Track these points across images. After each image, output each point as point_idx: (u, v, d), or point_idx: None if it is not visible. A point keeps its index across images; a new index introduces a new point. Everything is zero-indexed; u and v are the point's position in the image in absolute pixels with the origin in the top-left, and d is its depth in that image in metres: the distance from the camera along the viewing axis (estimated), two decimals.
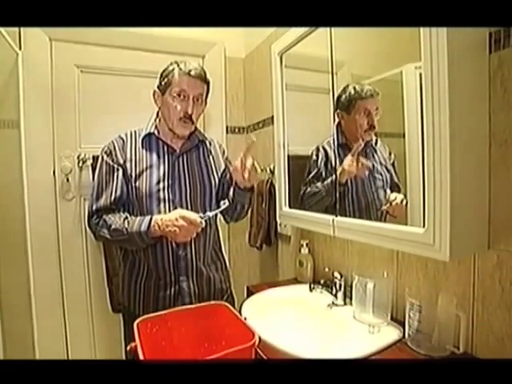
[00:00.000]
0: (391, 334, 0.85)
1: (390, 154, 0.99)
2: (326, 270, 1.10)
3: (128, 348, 0.72)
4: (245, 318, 0.87)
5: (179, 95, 0.99)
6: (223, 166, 1.15)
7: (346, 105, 1.04)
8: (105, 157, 1.03)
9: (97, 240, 1.11)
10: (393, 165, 0.98)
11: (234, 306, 1.14)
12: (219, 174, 1.13)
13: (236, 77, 1.85)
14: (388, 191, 0.99)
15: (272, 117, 1.41)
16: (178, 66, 1.00)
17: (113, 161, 1.02)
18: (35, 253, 1.41)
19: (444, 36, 0.64)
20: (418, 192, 0.78)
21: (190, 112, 1.00)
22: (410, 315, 0.81)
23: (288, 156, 1.32)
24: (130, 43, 1.59)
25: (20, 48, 1.39)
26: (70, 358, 1.58)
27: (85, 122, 1.56)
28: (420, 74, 0.70)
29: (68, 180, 1.53)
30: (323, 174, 1.16)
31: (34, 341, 1.38)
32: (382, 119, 0.97)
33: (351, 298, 0.97)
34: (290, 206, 1.30)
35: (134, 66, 1.63)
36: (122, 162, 1.02)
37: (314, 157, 1.18)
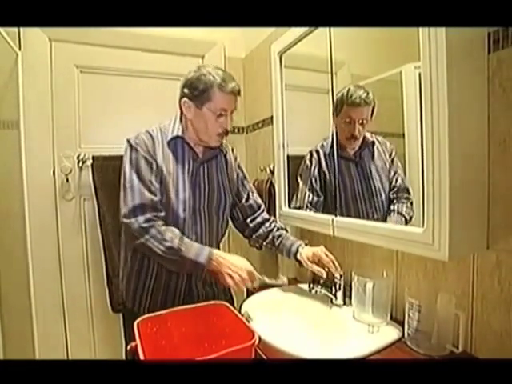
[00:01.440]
0: (391, 333, 0.85)
1: (390, 154, 0.99)
2: (326, 269, 1.10)
3: (128, 347, 0.72)
4: (247, 318, 0.87)
5: (220, 114, 0.98)
6: (235, 175, 1.15)
7: (335, 107, 1.04)
8: (139, 149, 0.97)
9: (136, 245, 0.96)
10: (393, 167, 0.97)
11: (233, 305, 1.14)
12: (234, 184, 1.14)
13: (235, 77, 1.82)
14: (383, 194, 0.98)
15: (271, 117, 1.41)
16: (216, 80, 0.96)
17: (149, 155, 0.98)
18: (35, 253, 1.41)
19: (443, 36, 0.64)
20: (418, 192, 0.78)
21: (229, 128, 1.01)
22: (409, 315, 0.81)
23: (288, 156, 1.32)
24: (130, 43, 1.59)
25: (20, 48, 1.39)
26: (70, 357, 1.58)
27: (84, 122, 1.56)
28: (419, 74, 0.71)
29: (68, 180, 1.53)
30: (315, 182, 1.16)
31: (34, 341, 1.39)
32: (381, 119, 0.97)
33: (351, 298, 0.97)
34: (290, 206, 1.30)
35: (134, 66, 1.63)
36: (155, 158, 0.98)
37: (308, 162, 1.18)
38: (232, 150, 1.18)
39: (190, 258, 0.92)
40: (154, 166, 0.97)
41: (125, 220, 0.94)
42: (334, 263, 1.02)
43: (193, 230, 1.02)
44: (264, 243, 1.17)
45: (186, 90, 1.00)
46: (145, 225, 0.93)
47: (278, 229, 1.17)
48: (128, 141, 1.00)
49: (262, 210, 1.20)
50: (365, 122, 0.99)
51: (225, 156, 1.13)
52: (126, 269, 1.07)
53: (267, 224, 1.18)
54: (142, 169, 0.96)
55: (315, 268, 1.02)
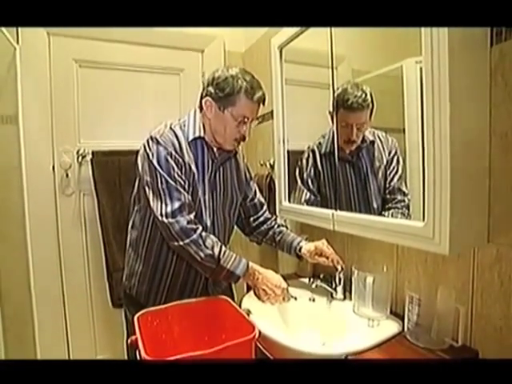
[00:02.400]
0: (390, 327, 0.85)
1: (390, 153, 0.97)
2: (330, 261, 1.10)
3: (129, 341, 0.72)
4: (247, 312, 0.88)
5: (242, 120, 0.97)
6: (243, 175, 1.15)
7: (333, 107, 1.02)
8: (168, 147, 0.93)
9: (174, 246, 0.93)
10: (392, 165, 0.96)
11: (233, 299, 1.15)
12: (243, 186, 1.14)
13: None
14: (379, 197, 0.98)
15: (272, 111, 1.41)
16: (244, 84, 0.93)
17: (178, 155, 0.94)
18: (35, 248, 1.41)
19: (445, 30, 0.63)
20: (418, 186, 0.78)
21: (246, 135, 0.99)
22: (409, 309, 0.81)
23: (288, 151, 1.32)
24: (129, 37, 1.58)
25: (18, 42, 1.38)
26: (71, 353, 1.59)
27: (84, 117, 1.56)
28: (420, 69, 0.70)
29: (67, 175, 1.53)
30: (311, 183, 1.16)
31: (35, 336, 1.39)
32: (382, 114, 0.96)
33: (351, 292, 0.97)
34: (290, 201, 1.30)
35: (133, 60, 1.62)
36: (182, 157, 0.95)
37: (304, 162, 1.18)
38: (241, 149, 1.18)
39: (228, 268, 0.92)
40: (182, 165, 0.95)
41: (165, 220, 0.90)
42: (335, 255, 1.04)
43: (212, 231, 1.02)
44: (264, 239, 1.18)
45: (210, 89, 0.95)
46: (187, 226, 0.91)
47: (278, 226, 1.18)
48: (153, 137, 0.94)
49: (264, 209, 1.20)
50: (364, 125, 0.97)
51: (236, 157, 1.12)
52: (137, 267, 1.04)
53: (268, 222, 1.18)
54: (174, 167, 0.93)
55: (321, 260, 1.04)
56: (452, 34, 0.63)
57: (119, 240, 1.46)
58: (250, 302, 1.03)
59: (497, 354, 0.71)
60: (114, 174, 1.51)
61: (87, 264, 1.61)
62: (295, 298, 1.00)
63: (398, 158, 0.95)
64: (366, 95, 0.95)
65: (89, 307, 1.63)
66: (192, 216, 0.93)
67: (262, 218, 1.18)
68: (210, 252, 0.91)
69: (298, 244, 1.09)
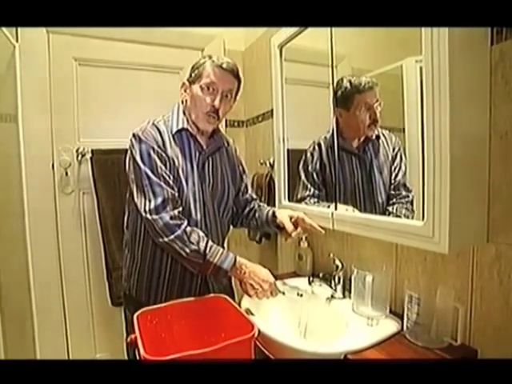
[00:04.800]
0: (390, 326, 0.85)
1: (393, 149, 0.98)
2: (331, 255, 1.10)
3: (128, 340, 0.72)
4: (247, 311, 0.88)
5: (208, 88, 0.96)
6: (237, 168, 1.15)
7: (344, 101, 1.02)
8: (149, 143, 0.94)
9: (159, 242, 0.94)
10: (396, 161, 0.96)
11: (233, 299, 1.15)
12: (235, 178, 1.14)
13: None
14: (383, 191, 0.98)
15: (271, 110, 1.41)
16: (211, 58, 0.97)
17: (160, 149, 0.95)
18: (34, 247, 1.42)
19: (445, 29, 0.63)
20: (418, 185, 0.78)
21: (217, 106, 0.96)
22: (408, 307, 0.81)
23: (287, 150, 1.32)
24: (129, 36, 1.57)
25: (17, 40, 1.37)
26: (70, 351, 1.59)
27: (83, 116, 1.55)
28: (420, 68, 0.70)
29: (67, 174, 1.52)
30: (316, 176, 1.15)
31: (35, 335, 1.40)
32: (382, 114, 0.96)
33: (350, 291, 0.97)
34: (290, 200, 1.30)
35: (133, 58, 1.61)
36: (165, 151, 0.96)
37: (309, 156, 1.18)
38: (233, 141, 1.18)
39: (215, 263, 0.91)
40: (166, 160, 0.95)
41: (149, 216, 0.91)
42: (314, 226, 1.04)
43: (203, 224, 1.02)
44: (248, 222, 1.19)
45: (187, 75, 1.01)
46: (171, 222, 0.91)
47: (258, 205, 1.19)
48: (135, 134, 0.95)
49: (252, 201, 1.21)
50: (379, 103, 0.96)
51: (227, 149, 1.12)
52: (135, 265, 1.04)
53: (251, 206, 1.20)
54: (157, 164, 0.93)
55: (301, 227, 1.05)
56: (452, 33, 0.63)
57: (118, 238, 1.45)
58: (249, 300, 1.03)
59: (496, 353, 0.71)
60: (114, 172, 1.50)
61: (87, 262, 1.61)
62: (283, 293, 0.98)
63: (401, 155, 0.95)
64: (370, 79, 0.97)
65: (88, 305, 1.63)
66: (176, 211, 0.93)
67: (247, 210, 1.19)
68: (196, 247, 0.90)
69: (273, 212, 1.11)
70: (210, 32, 1.72)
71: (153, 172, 0.92)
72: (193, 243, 0.91)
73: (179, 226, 0.91)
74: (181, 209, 0.95)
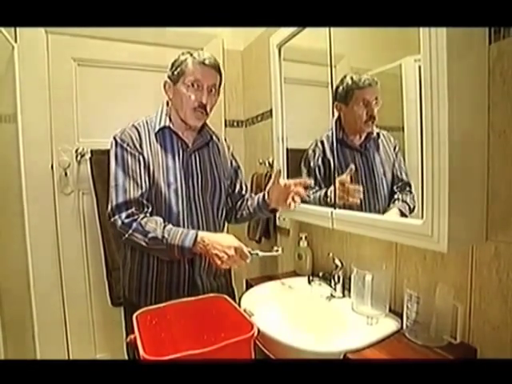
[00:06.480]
0: (389, 325, 0.85)
1: (394, 148, 0.98)
2: (331, 255, 1.10)
3: (127, 340, 0.72)
4: (248, 313, 0.87)
5: (193, 85, 0.97)
6: (229, 163, 1.16)
7: (344, 95, 1.02)
8: (124, 145, 0.96)
9: (122, 241, 0.96)
10: (398, 160, 0.96)
11: (234, 298, 1.15)
12: (228, 172, 1.14)
13: (234, 70, 1.83)
14: (386, 187, 0.98)
15: (271, 110, 1.41)
16: (192, 55, 0.97)
17: (135, 150, 0.96)
18: (34, 247, 1.41)
19: (443, 28, 0.63)
20: (417, 184, 0.78)
21: (204, 102, 0.98)
22: (408, 306, 0.81)
23: (287, 149, 1.32)
24: (127, 36, 1.57)
25: (16, 41, 1.37)
26: (70, 351, 1.59)
27: (82, 116, 1.55)
28: (419, 67, 0.70)
29: (66, 174, 1.53)
30: (318, 172, 1.15)
31: (35, 335, 1.39)
32: (381, 113, 0.96)
33: (350, 290, 0.97)
34: None
35: (131, 59, 1.61)
36: (141, 152, 0.97)
37: (311, 152, 1.18)
38: (225, 139, 1.18)
39: (176, 244, 0.90)
40: (141, 160, 0.96)
41: (111, 219, 0.94)
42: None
43: (189, 221, 1.02)
44: (242, 214, 1.18)
45: (168, 73, 1.01)
46: (127, 220, 0.92)
47: (250, 195, 1.20)
48: (113, 137, 0.99)
49: (246, 196, 1.21)
50: (378, 101, 0.97)
51: (216, 144, 1.13)
52: (126, 266, 1.06)
53: (244, 198, 1.20)
54: (128, 164, 0.95)
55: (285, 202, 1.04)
56: (450, 32, 0.63)
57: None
58: (249, 300, 1.04)
59: (495, 351, 0.71)
60: None
61: (86, 263, 1.61)
62: (257, 254, 0.93)
63: (401, 153, 0.95)
64: (370, 77, 0.98)
65: (88, 305, 1.63)
66: (141, 210, 0.94)
67: (243, 201, 1.20)
68: (153, 234, 0.91)
69: (260, 194, 1.12)
70: (209, 32, 1.72)
71: (124, 174, 0.95)
72: (149, 232, 0.91)
73: (135, 220, 0.92)
74: (150, 209, 0.96)
